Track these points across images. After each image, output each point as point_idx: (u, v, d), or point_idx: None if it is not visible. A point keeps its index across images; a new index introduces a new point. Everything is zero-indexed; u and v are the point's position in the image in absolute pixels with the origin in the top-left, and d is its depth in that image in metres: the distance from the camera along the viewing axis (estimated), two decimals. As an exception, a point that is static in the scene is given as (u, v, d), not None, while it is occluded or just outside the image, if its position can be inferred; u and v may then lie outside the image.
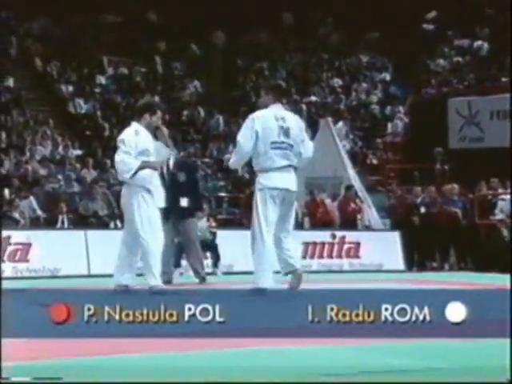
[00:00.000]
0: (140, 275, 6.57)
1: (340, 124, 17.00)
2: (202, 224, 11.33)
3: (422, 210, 13.02)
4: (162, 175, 6.91)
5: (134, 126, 6.46)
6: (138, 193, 6.36)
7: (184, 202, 8.74)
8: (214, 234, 11.24)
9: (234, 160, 6.39)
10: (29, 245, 10.35)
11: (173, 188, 8.36)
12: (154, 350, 3.44)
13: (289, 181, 6.51)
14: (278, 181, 6.40)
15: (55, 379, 2.96)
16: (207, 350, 3.39)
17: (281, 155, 6.38)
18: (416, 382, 3.14)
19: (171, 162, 8.51)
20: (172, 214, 8.51)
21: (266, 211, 6.25)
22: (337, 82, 20.35)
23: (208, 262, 11.39)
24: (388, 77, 20.26)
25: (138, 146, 6.33)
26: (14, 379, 2.97)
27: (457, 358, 3.62)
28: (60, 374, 2.93)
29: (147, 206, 6.36)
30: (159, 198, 6.56)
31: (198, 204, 9.28)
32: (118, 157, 6.34)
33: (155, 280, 6.30)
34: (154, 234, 6.33)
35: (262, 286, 6.10)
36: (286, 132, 6.38)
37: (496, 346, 3.75)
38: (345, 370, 3.11)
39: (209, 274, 11.11)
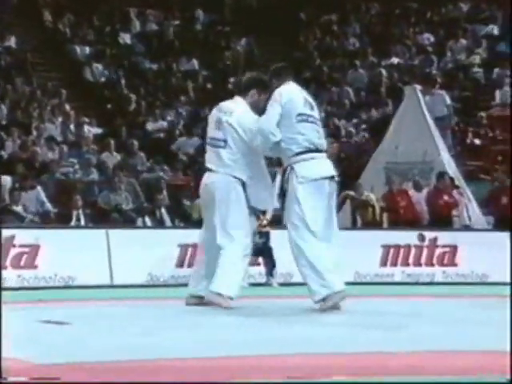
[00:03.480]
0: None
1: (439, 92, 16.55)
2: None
3: (540, 204, 12.82)
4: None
5: (239, 100, 6.87)
6: (230, 184, 6.61)
7: None
8: (267, 235, 11.32)
9: (259, 144, 6.62)
10: (37, 247, 10.59)
11: None
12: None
13: (329, 164, 6.71)
14: (320, 167, 6.59)
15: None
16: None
17: (312, 129, 6.60)
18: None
19: None
20: None
21: (312, 210, 6.47)
22: (427, 38, 20.12)
23: (261, 269, 11.49)
24: (496, 30, 19.92)
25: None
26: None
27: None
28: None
29: (236, 202, 6.59)
30: (263, 199, 6.75)
31: None
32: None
33: (221, 288, 6.43)
34: (236, 235, 6.55)
35: (337, 289, 6.37)
36: (310, 105, 6.69)
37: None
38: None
39: (262, 284, 11.22)
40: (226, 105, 6.90)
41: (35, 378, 3.29)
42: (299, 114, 6.53)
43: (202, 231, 6.92)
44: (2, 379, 3.26)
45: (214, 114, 6.91)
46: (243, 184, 6.65)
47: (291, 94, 6.60)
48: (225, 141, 6.70)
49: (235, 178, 6.65)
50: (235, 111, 6.78)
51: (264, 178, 6.81)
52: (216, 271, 6.53)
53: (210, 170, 6.79)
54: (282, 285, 11.18)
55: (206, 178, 6.81)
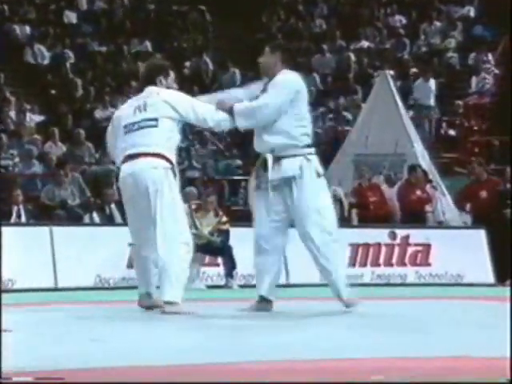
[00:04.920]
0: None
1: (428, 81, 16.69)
2: (208, 220, 11.47)
3: (518, 199, 13.01)
4: None
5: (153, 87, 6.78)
6: (161, 171, 6.47)
7: None
8: (227, 234, 11.36)
9: (248, 122, 6.60)
10: (-27, 246, 10.52)
11: None
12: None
13: None
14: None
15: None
16: None
17: None
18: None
19: None
20: None
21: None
22: (399, 20, 20.29)
23: (220, 270, 11.52)
24: (472, 12, 20.16)
25: None
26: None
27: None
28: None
29: (171, 192, 6.47)
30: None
31: None
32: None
33: (176, 296, 6.39)
34: (178, 232, 6.46)
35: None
36: None
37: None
38: None
39: (221, 286, 11.25)
40: (144, 92, 6.76)
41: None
42: (308, 104, 6.81)
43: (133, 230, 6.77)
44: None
45: (130, 104, 6.77)
46: (173, 170, 6.53)
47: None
48: (155, 119, 6.57)
49: (167, 160, 6.50)
50: (160, 92, 6.67)
51: None
52: (163, 277, 6.47)
53: (132, 157, 6.58)
54: (242, 287, 11.23)
55: (130, 167, 6.58)
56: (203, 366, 4.13)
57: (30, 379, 3.42)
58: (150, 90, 6.74)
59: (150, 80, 6.78)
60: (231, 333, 5.63)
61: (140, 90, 6.88)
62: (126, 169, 6.63)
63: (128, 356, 4.46)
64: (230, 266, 11.28)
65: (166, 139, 6.55)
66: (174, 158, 6.58)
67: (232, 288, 11.17)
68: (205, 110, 6.68)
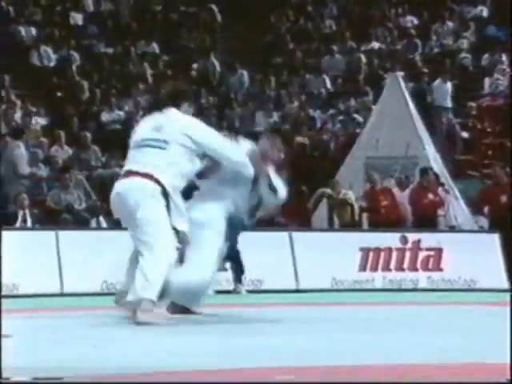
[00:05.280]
0: None
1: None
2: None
3: (533, 202, 12.96)
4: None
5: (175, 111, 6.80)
6: (147, 190, 6.53)
7: None
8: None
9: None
10: (-22, 251, 10.53)
11: None
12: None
13: None
14: None
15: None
16: None
17: None
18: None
19: None
20: None
21: None
22: (410, 21, 20.27)
23: (228, 275, 11.51)
24: (485, 12, 20.12)
25: None
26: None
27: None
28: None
29: (154, 205, 6.52)
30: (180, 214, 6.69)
31: None
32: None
33: (145, 292, 6.41)
34: (158, 243, 6.53)
35: None
36: None
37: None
38: None
39: (229, 291, 11.24)
40: (164, 115, 6.81)
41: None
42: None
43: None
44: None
45: (148, 120, 6.87)
46: (165, 194, 6.55)
47: None
48: (165, 142, 6.62)
49: (157, 182, 6.55)
50: (181, 120, 6.72)
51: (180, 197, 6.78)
52: (135, 276, 6.53)
53: (126, 174, 6.72)
54: (250, 292, 11.22)
55: (119, 185, 6.74)
56: (207, 370, 4.12)
57: (28, 380, 3.48)
58: (171, 114, 6.76)
59: (173, 104, 6.80)
60: (238, 337, 5.63)
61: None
62: (116, 186, 6.81)
63: (129, 361, 4.45)
64: (239, 270, 11.26)
65: (169, 164, 6.58)
66: (170, 183, 6.56)
67: (240, 293, 11.16)
68: (229, 146, 6.74)
